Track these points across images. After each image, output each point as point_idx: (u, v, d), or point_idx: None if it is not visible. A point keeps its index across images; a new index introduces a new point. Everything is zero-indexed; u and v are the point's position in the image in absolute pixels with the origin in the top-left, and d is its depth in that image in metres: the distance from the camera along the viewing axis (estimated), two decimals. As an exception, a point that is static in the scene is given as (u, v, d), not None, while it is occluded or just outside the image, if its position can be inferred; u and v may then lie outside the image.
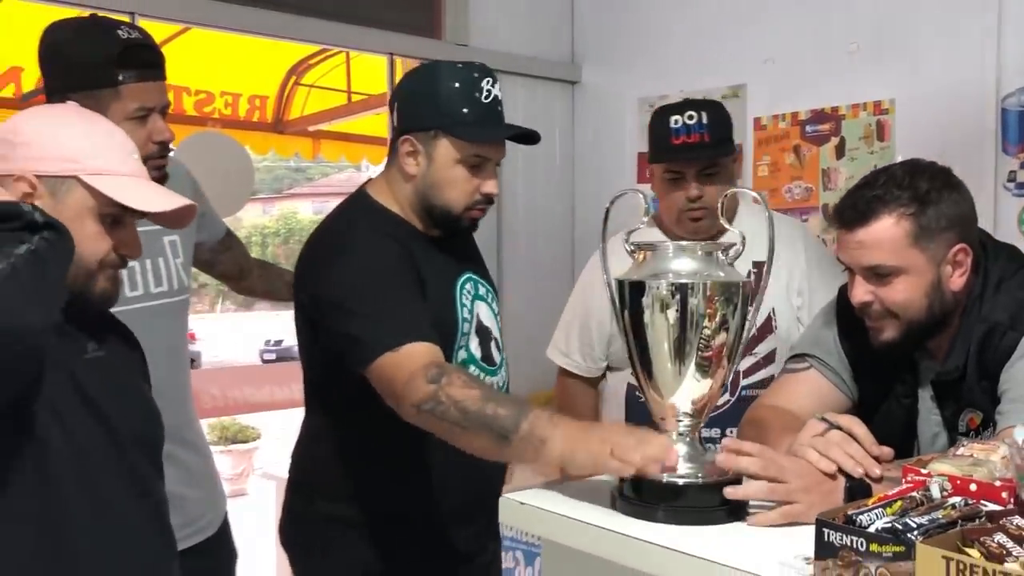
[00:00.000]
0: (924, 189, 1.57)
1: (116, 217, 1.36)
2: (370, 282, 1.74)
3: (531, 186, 3.76)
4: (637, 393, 2.29)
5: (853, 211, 1.60)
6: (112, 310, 1.43)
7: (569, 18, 3.95)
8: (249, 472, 8.04)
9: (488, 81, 1.82)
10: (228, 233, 2.31)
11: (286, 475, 2.03)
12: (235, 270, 2.38)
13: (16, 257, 1.10)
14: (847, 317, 1.73)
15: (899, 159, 2.06)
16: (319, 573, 1.95)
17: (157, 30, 1.92)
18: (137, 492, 1.37)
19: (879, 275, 1.59)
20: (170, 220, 1.44)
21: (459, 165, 1.81)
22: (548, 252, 3.69)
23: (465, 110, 1.79)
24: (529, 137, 1.88)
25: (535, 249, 3.70)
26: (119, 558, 1.32)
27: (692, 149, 2.15)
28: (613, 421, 2.37)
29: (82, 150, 1.33)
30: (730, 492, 1.40)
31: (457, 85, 1.80)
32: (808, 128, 3.24)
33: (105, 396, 1.34)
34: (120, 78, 1.76)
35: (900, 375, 1.70)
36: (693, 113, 2.15)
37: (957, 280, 1.61)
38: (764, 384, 2.22)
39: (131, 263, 1.86)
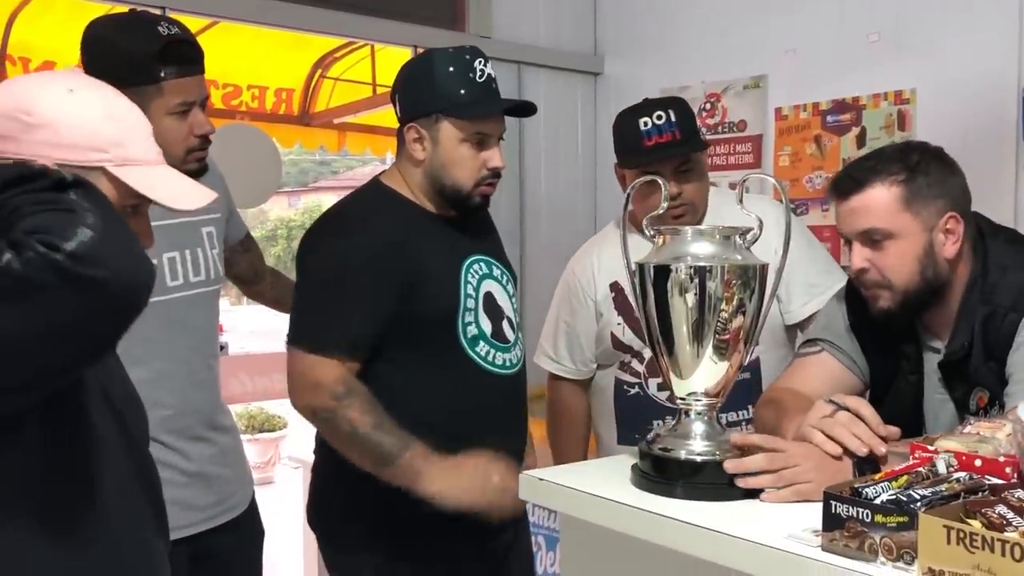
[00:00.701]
0: (915, 160, 1.65)
1: (135, 207, 1.28)
2: (336, 277, 1.87)
3: (554, 176, 3.81)
4: (625, 387, 2.34)
5: (848, 180, 1.68)
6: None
7: (592, 10, 3.98)
8: (276, 460, 8.12)
9: (480, 62, 1.90)
10: (248, 235, 2.35)
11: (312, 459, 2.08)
12: (250, 273, 2.40)
13: (92, 216, 1.03)
14: (855, 299, 1.78)
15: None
16: (345, 553, 2.00)
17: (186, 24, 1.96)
18: (143, 483, 1.38)
19: (874, 240, 1.65)
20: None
21: (463, 144, 1.90)
22: (570, 240, 3.71)
23: (462, 91, 1.87)
24: (526, 109, 1.97)
25: (558, 238, 3.73)
26: (132, 547, 1.32)
27: (666, 148, 2.16)
28: (604, 417, 2.41)
29: (108, 137, 1.23)
30: (740, 485, 1.42)
31: (452, 69, 1.88)
32: (829, 118, 3.26)
33: (111, 389, 1.34)
34: (162, 74, 1.79)
35: (904, 351, 1.74)
36: (661, 113, 2.17)
37: (950, 248, 1.65)
38: (752, 365, 2.24)
39: (172, 253, 1.93)
